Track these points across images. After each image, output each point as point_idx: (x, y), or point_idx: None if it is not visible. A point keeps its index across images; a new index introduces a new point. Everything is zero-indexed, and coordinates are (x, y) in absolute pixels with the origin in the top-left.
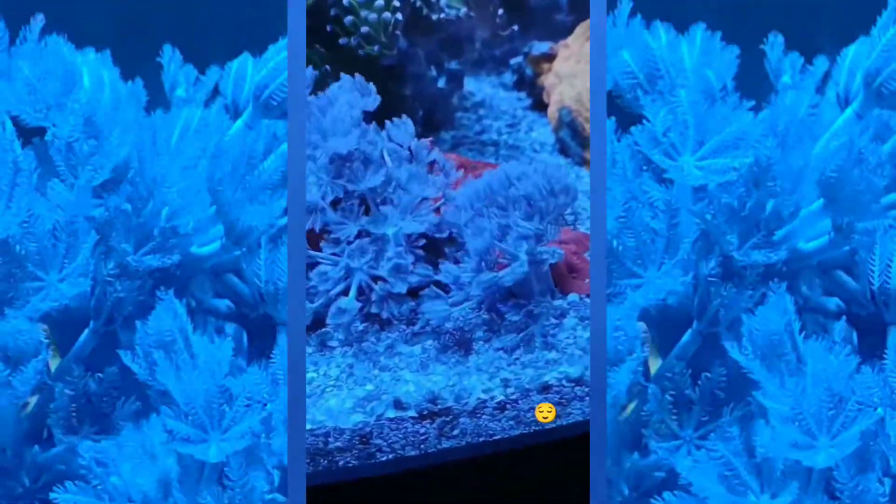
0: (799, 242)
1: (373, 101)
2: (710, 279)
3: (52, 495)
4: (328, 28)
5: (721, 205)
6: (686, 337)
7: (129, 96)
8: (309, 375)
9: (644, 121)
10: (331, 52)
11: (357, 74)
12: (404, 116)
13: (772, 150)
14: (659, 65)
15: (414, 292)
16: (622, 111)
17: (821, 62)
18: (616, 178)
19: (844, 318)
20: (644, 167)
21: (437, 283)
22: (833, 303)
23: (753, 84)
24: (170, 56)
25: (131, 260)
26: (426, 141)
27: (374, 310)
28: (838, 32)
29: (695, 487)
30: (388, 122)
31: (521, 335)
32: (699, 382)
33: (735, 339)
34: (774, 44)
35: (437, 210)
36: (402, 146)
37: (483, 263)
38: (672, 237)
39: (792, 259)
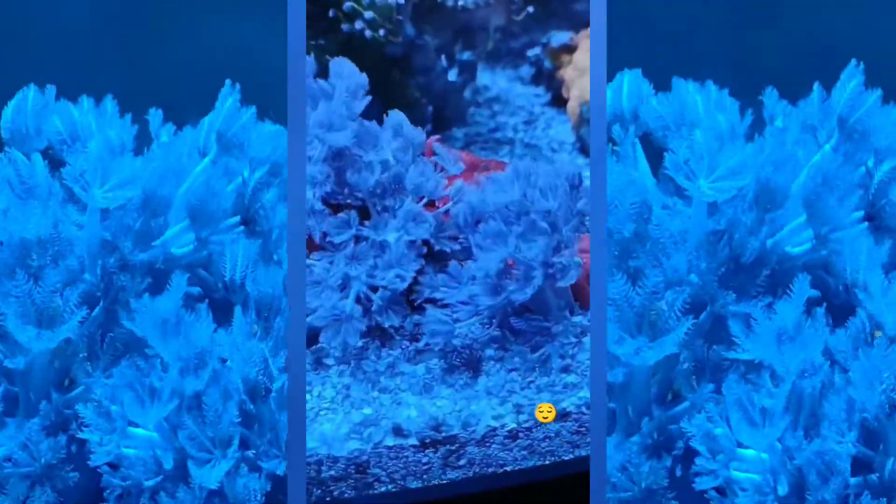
0: (787, 247)
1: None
2: (720, 273)
3: None
4: (330, 13)
5: (728, 217)
6: (702, 316)
7: None
8: None
9: (669, 152)
10: (332, 38)
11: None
12: (390, 113)
13: (766, 176)
14: (682, 111)
15: (418, 305)
16: (651, 145)
17: (804, 105)
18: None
19: (823, 305)
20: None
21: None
22: (814, 294)
23: (753, 123)
24: None
25: None
26: (422, 131)
27: (373, 321)
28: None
29: None
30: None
31: (536, 355)
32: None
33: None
34: (770, 95)
35: (445, 214)
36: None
37: (494, 274)
38: (689, 241)
39: (782, 260)
